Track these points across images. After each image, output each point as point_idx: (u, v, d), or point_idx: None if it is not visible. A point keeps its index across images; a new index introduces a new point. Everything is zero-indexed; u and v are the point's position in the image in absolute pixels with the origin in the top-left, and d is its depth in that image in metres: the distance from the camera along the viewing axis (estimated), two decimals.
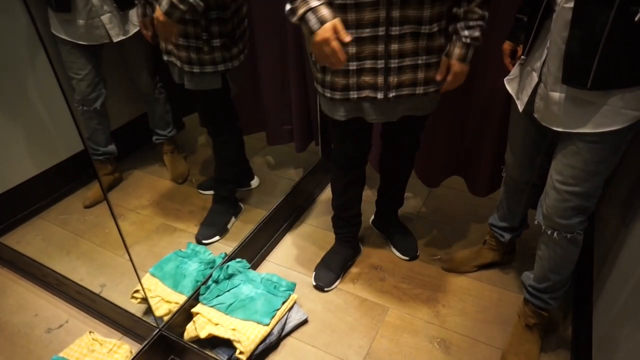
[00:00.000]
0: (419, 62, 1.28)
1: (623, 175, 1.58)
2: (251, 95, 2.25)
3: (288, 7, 1.17)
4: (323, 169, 2.29)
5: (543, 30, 1.15)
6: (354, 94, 1.34)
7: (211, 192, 2.18)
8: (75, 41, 1.93)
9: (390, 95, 1.32)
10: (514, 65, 1.36)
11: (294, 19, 1.15)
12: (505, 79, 1.36)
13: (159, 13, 1.44)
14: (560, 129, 1.14)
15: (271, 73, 2.10)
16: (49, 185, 2.23)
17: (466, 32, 1.26)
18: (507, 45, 1.38)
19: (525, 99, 1.24)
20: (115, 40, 1.95)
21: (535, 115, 1.23)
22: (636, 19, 0.92)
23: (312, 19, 1.13)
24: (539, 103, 1.20)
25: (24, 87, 2.03)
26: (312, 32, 1.14)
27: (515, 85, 1.31)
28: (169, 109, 2.34)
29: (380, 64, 1.27)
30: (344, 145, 1.56)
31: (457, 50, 1.28)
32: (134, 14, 1.96)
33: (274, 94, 2.17)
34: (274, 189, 2.28)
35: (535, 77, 1.19)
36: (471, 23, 1.25)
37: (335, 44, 1.13)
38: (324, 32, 1.12)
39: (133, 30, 1.98)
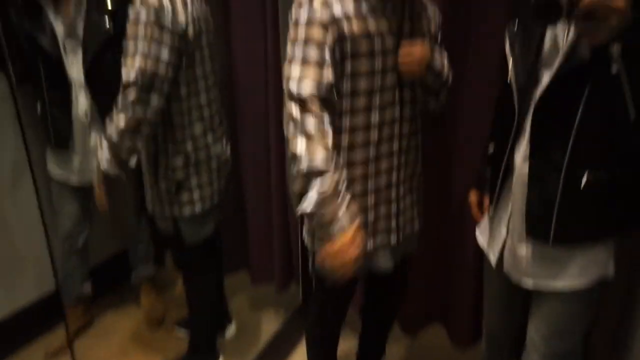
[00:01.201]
0: (414, 198, 1.37)
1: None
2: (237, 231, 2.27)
3: (305, 210, 1.07)
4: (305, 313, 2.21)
5: (506, 185, 1.20)
6: (370, 244, 1.28)
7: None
8: (69, 178, 1.97)
9: (401, 236, 1.34)
10: (482, 214, 1.40)
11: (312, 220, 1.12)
12: (476, 232, 1.38)
13: None
14: (529, 286, 1.15)
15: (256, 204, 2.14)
16: (11, 331, 2.06)
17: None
18: (473, 196, 1.43)
19: (496, 252, 1.26)
20: None
21: (504, 271, 1.23)
22: (581, 186, 0.99)
23: (335, 225, 1.06)
24: (507, 257, 1.21)
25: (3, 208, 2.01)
26: (328, 236, 1.07)
27: (486, 238, 1.33)
28: (152, 249, 2.32)
29: (394, 208, 1.30)
30: (329, 312, 1.46)
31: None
32: None
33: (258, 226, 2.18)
34: (254, 337, 2.14)
35: (503, 231, 1.22)
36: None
37: (352, 253, 1.05)
38: (345, 239, 1.05)
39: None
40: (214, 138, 1.67)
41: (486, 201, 1.39)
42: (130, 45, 1.41)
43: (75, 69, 1.82)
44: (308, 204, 1.06)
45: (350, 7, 1.13)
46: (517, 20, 1.14)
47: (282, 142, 1.93)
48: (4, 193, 2.00)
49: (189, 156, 1.60)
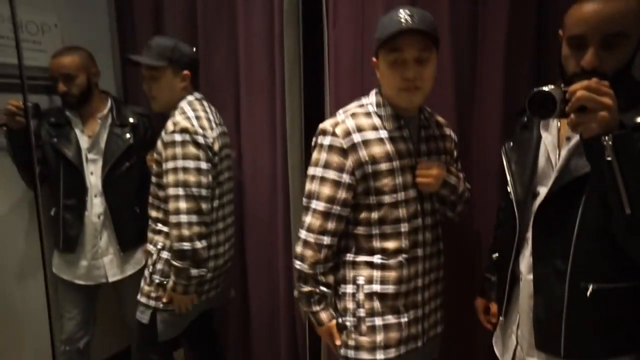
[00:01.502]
0: (438, 303, 1.42)
1: None
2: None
3: (296, 292, 1.39)
4: None
5: (513, 294, 1.22)
6: (403, 349, 1.33)
7: None
8: (74, 281, 2.00)
9: (426, 339, 1.38)
10: (489, 321, 1.41)
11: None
12: (493, 340, 1.37)
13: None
14: None
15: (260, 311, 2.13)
16: None
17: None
18: (479, 303, 1.44)
19: None
20: (111, 280, 2.03)
21: None
22: (588, 293, 1.00)
23: (312, 318, 1.37)
24: None
25: (11, 304, 2.02)
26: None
27: (500, 347, 1.32)
28: None
29: (420, 312, 1.35)
30: None
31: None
32: (132, 256, 2.07)
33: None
34: None
35: (514, 339, 1.22)
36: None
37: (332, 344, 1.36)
38: (321, 331, 1.37)
39: (130, 270, 2.06)
40: (224, 244, 1.82)
41: (493, 308, 1.40)
42: (169, 163, 1.61)
43: (94, 177, 1.96)
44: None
45: (369, 135, 1.28)
46: (513, 138, 1.24)
47: (288, 249, 1.98)
48: (13, 291, 2.02)
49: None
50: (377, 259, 1.31)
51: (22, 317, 2.06)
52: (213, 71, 2.13)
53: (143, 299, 1.73)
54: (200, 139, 1.62)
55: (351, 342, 1.33)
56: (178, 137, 1.59)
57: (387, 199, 1.29)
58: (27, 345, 2.08)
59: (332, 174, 1.28)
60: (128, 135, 1.99)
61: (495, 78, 1.54)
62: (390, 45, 1.21)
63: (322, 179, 1.29)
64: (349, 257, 1.35)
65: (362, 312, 1.31)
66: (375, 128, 1.29)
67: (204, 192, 1.62)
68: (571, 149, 1.05)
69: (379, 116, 1.31)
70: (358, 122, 1.30)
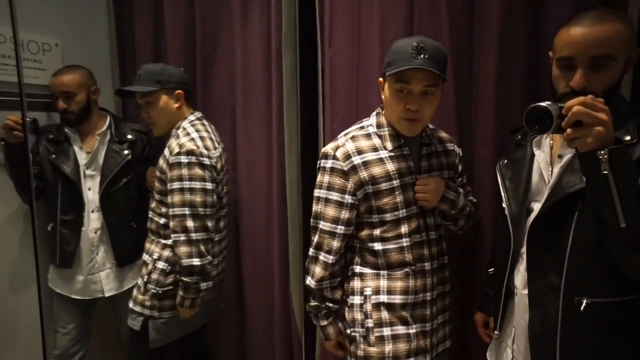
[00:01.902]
0: (446, 317, 1.44)
1: None
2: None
3: (307, 307, 1.45)
4: None
5: (509, 308, 1.23)
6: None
7: None
8: (70, 295, 2.00)
9: (435, 354, 1.38)
10: (488, 335, 1.42)
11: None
12: (487, 354, 1.38)
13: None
14: None
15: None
16: None
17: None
18: (478, 317, 1.46)
19: None
20: (107, 295, 2.03)
21: None
22: (582, 308, 1.02)
23: (321, 333, 1.45)
24: None
25: (4, 317, 2.01)
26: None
27: None
28: None
29: (428, 326, 1.36)
30: None
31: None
32: (129, 271, 2.08)
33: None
34: None
35: (509, 353, 1.23)
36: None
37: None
38: (328, 345, 1.44)
39: (127, 285, 2.07)
40: (218, 256, 1.88)
41: (491, 322, 1.41)
42: (175, 184, 1.67)
43: (91, 192, 1.97)
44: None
45: (369, 156, 1.33)
46: (507, 155, 1.27)
47: (284, 257, 1.99)
48: (6, 305, 2.02)
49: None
50: (382, 271, 1.35)
51: (15, 330, 2.04)
52: (211, 90, 2.16)
53: (137, 307, 1.76)
54: (206, 160, 1.71)
55: (360, 353, 1.34)
56: (184, 159, 1.67)
57: (388, 216, 1.33)
58: (19, 359, 2.06)
59: (335, 196, 1.34)
60: (126, 152, 2.01)
61: (488, 100, 1.58)
62: (398, 75, 1.25)
63: (327, 200, 1.36)
64: (357, 269, 1.38)
65: (370, 323, 1.33)
66: (375, 149, 1.34)
67: (209, 210, 1.71)
68: (563, 166, 1.08)
69: (379, 136, 1.36)
70: (358, 144, 1.35)
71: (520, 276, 1.16)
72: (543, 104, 0.91)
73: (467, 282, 1.69)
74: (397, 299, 1.33)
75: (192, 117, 1.82)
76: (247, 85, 2.05)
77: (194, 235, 1.67)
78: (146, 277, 1.75)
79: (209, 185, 1.71)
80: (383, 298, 1.33)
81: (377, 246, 1.34)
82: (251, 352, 2.19)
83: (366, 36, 1.74)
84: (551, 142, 1.15)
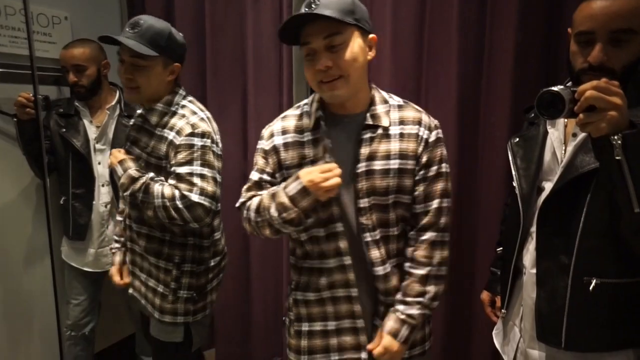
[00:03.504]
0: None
1: None
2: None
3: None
4: None
5: (516, 287, 1.23)
6: (335, 356, 1.24)
7: None
8: (82, 268, 2.04)
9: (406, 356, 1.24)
10: (495, 314, 1.42)
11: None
12: (493, 333, 1.39)
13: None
14: None
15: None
16: None
17: (400, 307, 1.17)
18: (485, 296, 1.45)
19: (511, 353, 1.25)
20: None
21: None
22: (590, 288, 1.01)
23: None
24: (520, 359, 1.21)
25: (19, 289, 2.05)
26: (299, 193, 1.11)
27: (501, 339, 1.33)
28: None
29: (360, 323, 1.21)
30: None
31: (389, 323, 1.17)
32: None
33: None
34: None
35: (517, 332, 1.23)
36: (408, 299, 1.17)
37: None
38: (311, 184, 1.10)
39: None
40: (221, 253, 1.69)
41: (498, 301, 1.41)
42: (184, 168, 1.40)
43: (101, 166, 1.98)
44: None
45: (290, 138, 1.22)
46: (519, 134, 1.25)
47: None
48: (20, 276, 2.05)
49: (210, 267, 1.61)
50: (302, 264, 1.25)
51: (30, 301, 2.09)
52: (221, 65, 2.14)
53: (168, 318, 1.52)
54: (217, 149, 1.49)
55: (287, 340, 1.33)
56: (198, 142, 1.42)
57: None
58: (34, 329, 2.11)
59: (255, 175, 1.26)
60: None
61: (504, 73, 1.55)
62: (302, 39, 1.12)
63: (249, 179, 1.28)
64: (291, 259, 1.31)
65: (292, 315, 1.30)
66: (301, 131, 1.21)
67: (214, 206, 1.45)
68: (577, 144, 1.06)
69: (309, 115, 1.21)
70: (286, 123, 1.24)
71: (529, 255, 1.15)
72: (555, 88, 0.89)
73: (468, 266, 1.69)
74: (311, 295, 1.24)
75: (183, 93, 1.54)
76: (258, 62, 2.03)
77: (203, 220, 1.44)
78: (174, 284, 1.51)
79: (219, 177, 1.47)
80: (299, 294, 1.26)
81: (297, 236, 1.23)
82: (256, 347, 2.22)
83: (377, 10, 1.71)
84: (565, 120, 1.12)
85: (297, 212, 1.12)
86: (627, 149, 0.84)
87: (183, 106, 1.50)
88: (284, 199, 1.12)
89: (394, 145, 1.16)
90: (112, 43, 1.44)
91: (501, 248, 1.37)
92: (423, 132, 1.17)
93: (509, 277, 1.22)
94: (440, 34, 1.66)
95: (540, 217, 1.11)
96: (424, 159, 1.17)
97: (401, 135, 1.17)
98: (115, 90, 2.07)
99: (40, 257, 2.09)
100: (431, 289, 1.17)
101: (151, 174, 1.47)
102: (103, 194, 1.99)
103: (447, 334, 1.80)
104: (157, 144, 1.46)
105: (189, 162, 1.41)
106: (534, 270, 1.12)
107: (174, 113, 1.48)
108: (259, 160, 1.27)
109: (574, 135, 1.08)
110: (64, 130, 1.94)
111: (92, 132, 1.98)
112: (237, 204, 1.28)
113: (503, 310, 1.28)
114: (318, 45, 1.10)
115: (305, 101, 1.26)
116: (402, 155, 1.16)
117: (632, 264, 1.01)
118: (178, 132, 1.43)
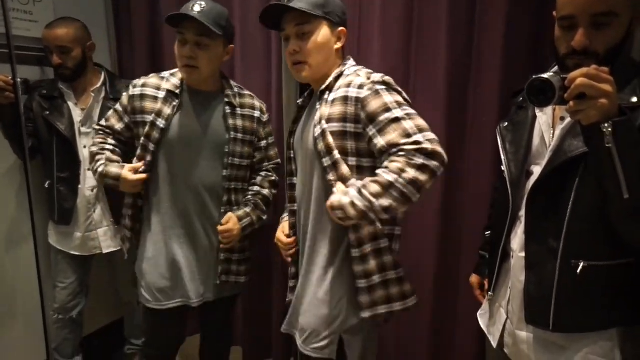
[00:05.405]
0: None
1: None
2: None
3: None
4: None
5: (503, 270, 1.24)
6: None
7: None
8: (69, 252, 2.01)
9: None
10: (484, 297, 1.43)
11: None
12: (478, 314, 1.41)
13: None
14: None
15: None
16: None
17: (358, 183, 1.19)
18: (474, 279, 1.47)
19: (497, 334, 1.27)
20: (105, 251, 2.05)
21: (505, 351, 1.24)
22: (578, 271, 1.03)
23: None
24: (507, 339, 1.23)
25: (3, 273, 2.02)
26: None
27: (486, 321, 1.35)
28: None
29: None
30: None
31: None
32: None
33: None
34: None
35: (503, 313, 1.25)
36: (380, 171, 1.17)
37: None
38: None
39: None
40: None
41: (486, 284, 1.43)
42: (264, 141, 1.76)
43: (86, 150, 1.93)
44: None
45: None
46: (508, 118, 1.25)
47: None
48: (4, 260, 2.02)
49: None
50: None
51: (14, 285, 2.06)
52: None
53: (243, 279, 1.76)
54: None
55: None
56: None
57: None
58: (18, 312, 2.09)
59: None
60: None
61: (493, 56, 1.55)
62: (281, 25, 1.34)
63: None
64: None
65: None
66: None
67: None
68: (565, 128, 1.06)
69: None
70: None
71: (517, 239, 1.16)
72: (545, 75, 0.88)
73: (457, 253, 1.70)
74: None
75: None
76: (246, 45, 2.00)
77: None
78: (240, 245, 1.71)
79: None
80: None
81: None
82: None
83: (367, 5, 1.70)
84: None
85: None
86: (617, 136, 0.85)
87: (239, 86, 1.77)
88: None
89: (324, 110, 1.27)
90: (177, 21, 1.49)
91: (489, 232, 1.38)
92: (352, 92, 1.24)
93: (497, 260, 1.23)
94: (430, 14, 1.65)
95: (529, 201, 1.11)
96: (363, 115, 1.22)
97: (333, 100, 1.27)
98: (100, 71, 2.02)
99: (25, 241, 2.06)
100: (411, 171, 1.11)
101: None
102: (89, 178, 1.96)
103: (433, 319, 1.82)
104: (244, 123, 1.68)
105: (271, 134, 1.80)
106: (523, 254, 1.13)
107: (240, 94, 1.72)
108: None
109: (562, 119, 1.09)
110: (48, 113, 1.89)
111: (77, 115, 1.94)
112: None
113: (490, 293, 1.29)
114: (290, 32, 1.32)
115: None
116: (338, 119, 1.25)
117: (619, 246, 1.02)
118: (261, 111, 1.75)
